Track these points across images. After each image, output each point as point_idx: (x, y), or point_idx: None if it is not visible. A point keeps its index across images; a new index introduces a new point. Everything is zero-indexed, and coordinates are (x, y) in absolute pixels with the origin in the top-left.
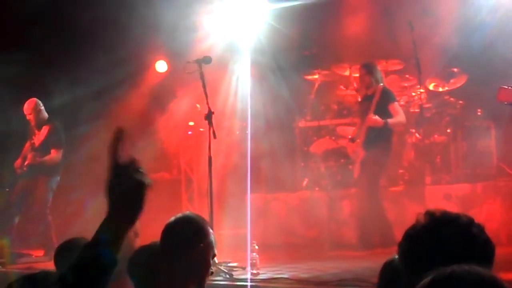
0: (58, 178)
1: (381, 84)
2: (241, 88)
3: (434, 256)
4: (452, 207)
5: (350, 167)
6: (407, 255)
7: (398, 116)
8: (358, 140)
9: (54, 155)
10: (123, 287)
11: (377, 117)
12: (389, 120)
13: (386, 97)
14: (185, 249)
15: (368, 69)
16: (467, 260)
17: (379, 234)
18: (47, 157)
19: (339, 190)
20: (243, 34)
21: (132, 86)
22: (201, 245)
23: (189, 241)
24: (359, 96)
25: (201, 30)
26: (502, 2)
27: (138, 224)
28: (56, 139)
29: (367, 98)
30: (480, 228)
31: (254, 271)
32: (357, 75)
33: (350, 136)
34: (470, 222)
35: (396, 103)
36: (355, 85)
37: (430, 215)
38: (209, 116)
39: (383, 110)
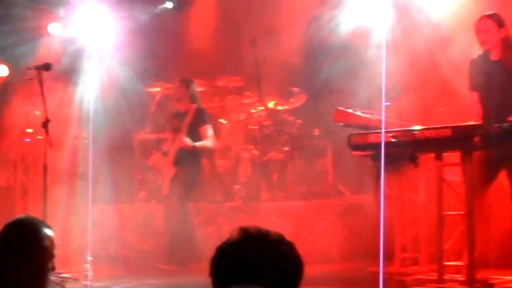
0: None
1: (196, 104)
2: (84, 97)
3: (243, 271)
4: (286, 224)
5: (160, 182)
6: (216, 268)
7: (207, 140)
8: (169, 157)
9: None
10: None
11: (187, 139)
12: (198, 144)
13: (199, 118)
14: (21, 256)
15: (186, 84)
16: (274, 277)
17: (188, 250)
18: None
19: None
20: (87, 43)
21: None
22: (38, 250)
23: (23, 247)
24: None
25: (45, 36)
26: (343, 24)
27: None
28: None
29: (180, 115)
30: (290, 246)
31: (88, 283)
32: (200, 89)
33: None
34: (280, 240)
35: (207, 125)
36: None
37: (242, 231)
38: (45, 124)
39: (195, 131)
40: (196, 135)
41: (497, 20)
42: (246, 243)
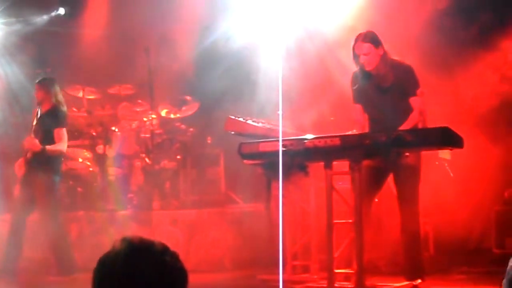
0: None
1: (57, 105)
2: None
3: (126, 282)
4: (178, 233)
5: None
6: (98, 279)
7: (59, 144)
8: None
9: None
10: None
11: (36, 140)
12: (48, 147)
13: (53, 120)
14: None
15: (44, 86)
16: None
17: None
18: None
19: (67, 212)
20: None
21: None
22: None
23: None
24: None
25: None
26: (238, 33)
27: None
28: None
29: (40, 117)
30: (174, 256)
31: None
32: (92, 97)
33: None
34: (164, 250)
35: (62, 129)
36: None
37: (125, 241)
38: None
39: (50, 133)
40: (51, 138)
41: (373, 40)
42: (129, 253)
